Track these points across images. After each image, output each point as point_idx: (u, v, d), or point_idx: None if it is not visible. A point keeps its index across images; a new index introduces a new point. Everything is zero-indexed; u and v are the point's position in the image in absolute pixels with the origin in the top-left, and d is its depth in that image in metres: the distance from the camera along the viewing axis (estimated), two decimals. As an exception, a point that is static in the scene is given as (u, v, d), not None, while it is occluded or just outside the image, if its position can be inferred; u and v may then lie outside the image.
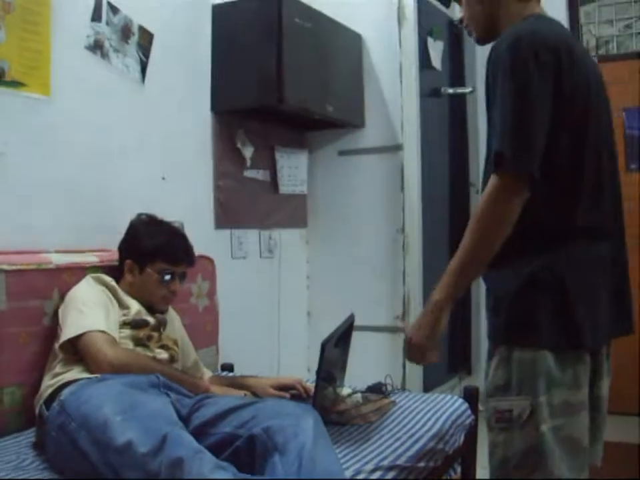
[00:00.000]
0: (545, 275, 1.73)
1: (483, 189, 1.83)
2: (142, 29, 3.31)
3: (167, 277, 2.69)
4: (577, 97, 1.75)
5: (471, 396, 2.88)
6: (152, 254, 2.69)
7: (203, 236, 3.39)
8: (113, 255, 2.82)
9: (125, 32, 3.23)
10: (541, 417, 1.73)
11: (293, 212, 4.43)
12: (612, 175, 1.91)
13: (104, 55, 3.12)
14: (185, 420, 2.15)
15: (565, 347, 1.75)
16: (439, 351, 1.83)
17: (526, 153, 1.68)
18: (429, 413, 2.67)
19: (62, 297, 2.58)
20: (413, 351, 1.84)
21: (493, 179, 1.71)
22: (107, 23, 3.13)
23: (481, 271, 1.77)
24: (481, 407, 2.76)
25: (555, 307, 1.74)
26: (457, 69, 5.16)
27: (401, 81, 4.30)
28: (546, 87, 1.70)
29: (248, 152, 3.96)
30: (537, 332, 1.74)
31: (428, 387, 4.34)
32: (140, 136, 3.31)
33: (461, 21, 2.10)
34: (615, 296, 1.87)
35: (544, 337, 1.74)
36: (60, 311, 2.54)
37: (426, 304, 1.82)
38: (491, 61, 1.80)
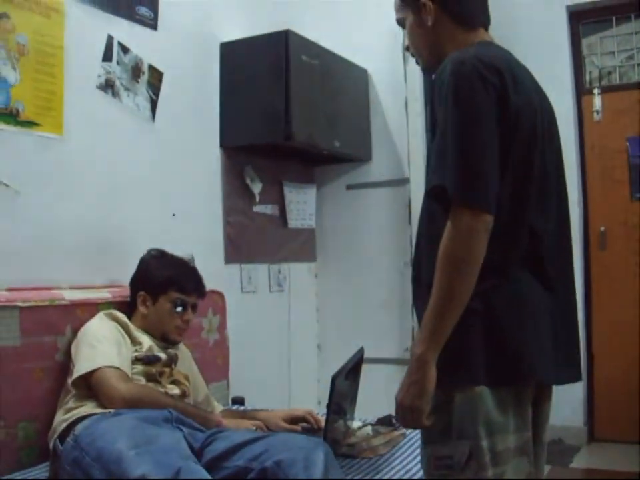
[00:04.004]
0: (476, 304, 1.60)
1: (424, 208, 1.78)
2: (152, 68, 3.38)
3: (180, 307, 2.74)
4: (521, 122, 1.65)
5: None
6: (165, 284, 2.74)
7: (213, 271, 3.42)
8: (125, 291, 2.87)
9: (135, 71, 3.29)
10: (482, 462, 1.60)
11: (301, 246, 4.47)
12: (558, 219, 1.79)
13: (115, 94, 3.18)
14: (197, 454, 2.18)
15: (503, 381, 1.64)
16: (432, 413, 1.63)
17: (477, 186, 1.58)
18: (439, 444, 2.68)
19: (75, 333, 2.61)
20: (405, 415, 1.63)
21: (450, 216, 1.59)
22: (118, 63, 3.20)
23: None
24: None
25: (489, 338, 1.62)
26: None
27: (407, 115, 4.35)
28: (492, 110, 1.61)
29: (257, 187, 4.01)
30: (473, 368, 1.62)
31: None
32: (150, 173, 3.36)
33: (407, 48, 1.98)
34: (562, 343, 1.74)
35: (480, 372, 1.61)
36: (73, 346, 2.57)
37: (410, 361, 1.64)
38: (436, 86, 1.70)
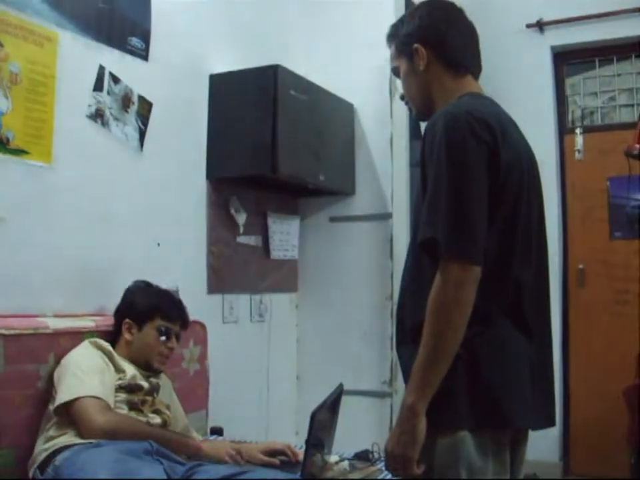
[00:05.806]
0: (460, 350, 1.64)
1: (411, 254, 1.83)
2: (141, 98, 3.41)
3: (165, 336, 2.78)
4: (509, 177, 1.70)
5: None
6: (151, 311, 2.79)
7: (196, 301, 3.42)
8: (109, 320, 2.89)
9: (125, 101, 3.32)
10: None
11: (283, 277, 4.48)
12: (538, 270, 1.84)
13: (104, 124, 3.21)
14: (177, 487, 2.20)
15: (485, 426, 1.68)
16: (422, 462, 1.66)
17: (467, 239, 1.63)
18: (415, 481, 2.70)
19: (57, 362, 2.62)
20: (396, 464, 1.67)
21: (440, 267, 1.64)
22: (108, 93, 3.23)
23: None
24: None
25: (472, 384, 1.66)
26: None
27: (392, 151, 4.39)
28: (483, 165, 1.66)
29: (241, 218, 4.02)
30: (457, 413, 1.66)
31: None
32: (137, 202, 3.38)
33: (402, 97, 2.05)
34: (539, 389, 1.79)
35: (464, 417, 1.66)
36: (55, 373, 2.58)
37: (400, 410, 1.68)
38: (427, 139, 1.75)
